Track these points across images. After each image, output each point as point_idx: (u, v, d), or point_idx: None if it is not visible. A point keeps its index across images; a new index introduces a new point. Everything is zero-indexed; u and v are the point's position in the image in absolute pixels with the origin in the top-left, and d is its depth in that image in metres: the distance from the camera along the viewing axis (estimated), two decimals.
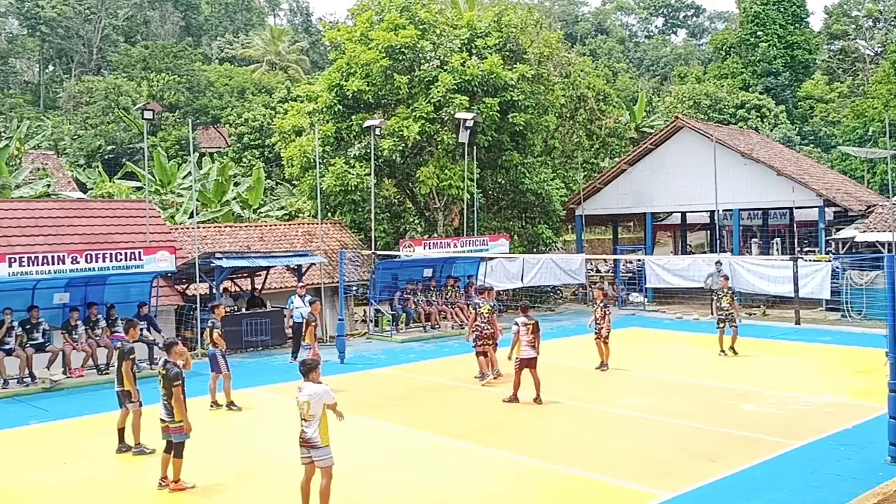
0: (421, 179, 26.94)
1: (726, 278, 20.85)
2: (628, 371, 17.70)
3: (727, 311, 19.39)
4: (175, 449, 10.12)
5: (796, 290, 24.97)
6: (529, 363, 14.38)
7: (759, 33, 56.70)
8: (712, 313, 25.17)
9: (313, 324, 16.44)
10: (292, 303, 19.79)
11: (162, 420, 10.33)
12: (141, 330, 18.43)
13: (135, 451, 11.72)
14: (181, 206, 32.85)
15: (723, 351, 19.30)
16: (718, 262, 26.05)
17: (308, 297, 20.08)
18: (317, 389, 8.89)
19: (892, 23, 62.90)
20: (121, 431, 11.94)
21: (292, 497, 9.71)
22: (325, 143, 26.83)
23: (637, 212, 32.97)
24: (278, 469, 10.92)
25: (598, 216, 35.07)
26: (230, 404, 14.72)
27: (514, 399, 14.50)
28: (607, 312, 17.73)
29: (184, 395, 10.23)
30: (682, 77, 63.02)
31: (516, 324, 14.58)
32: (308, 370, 9.11)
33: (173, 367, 10.27)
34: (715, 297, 21.00)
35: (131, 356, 11.77)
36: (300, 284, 21.23)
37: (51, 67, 74.45)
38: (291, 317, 19.83)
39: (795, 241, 34.04)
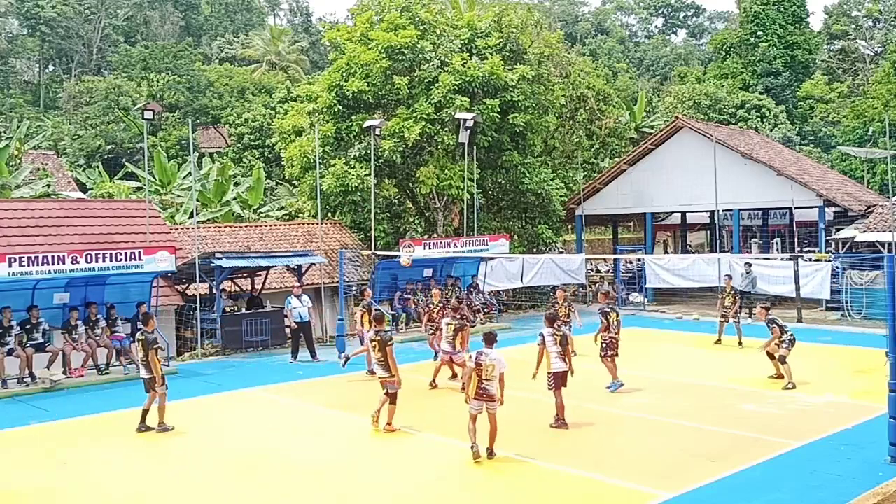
0: (421, 179, 26.91)
1: (730, 277, 21.35)
2: (628, 371, 17.67)
3: (730, 308, 20.79)
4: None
5: (797, 290, 24.96)
6: (563, 378, 12.73)
7: (759, 33, 56.67)
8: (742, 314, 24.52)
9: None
10: (290, 303, 19.77)
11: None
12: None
13: (158, 430, 12.82)
14: (181, 206, 32.83)
15: (719, 341, 20.76)
16: (748, 264, 25.24)
17: (305, 297, 20.13)
18: (500, 357, 10.94)
19: (892, 23, 62.89)
20: (144, 413, 12.95)
21: (289, 496, 9.72)
22: (324, 143, 26.79)
23: (637, 212, 32.96)
24: (275, 469, 10.91)
25: (598, 216, 35.06)
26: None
27: (562, 423, 12.78)
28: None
29: None
30: (682, 77, 62.96)
31: (541, 335, 12.83)
32: (494, 339, 11.24)
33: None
34: (721, 296, 21.79)
35: (155, 346, 12.89)
36: (296, 285, 21.24)
37: (51, 67, 74.45)
38: (291, 317, 19.83)
39: (795, 241, 34.03)
